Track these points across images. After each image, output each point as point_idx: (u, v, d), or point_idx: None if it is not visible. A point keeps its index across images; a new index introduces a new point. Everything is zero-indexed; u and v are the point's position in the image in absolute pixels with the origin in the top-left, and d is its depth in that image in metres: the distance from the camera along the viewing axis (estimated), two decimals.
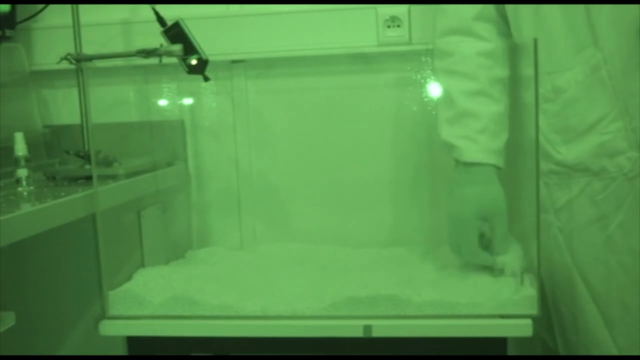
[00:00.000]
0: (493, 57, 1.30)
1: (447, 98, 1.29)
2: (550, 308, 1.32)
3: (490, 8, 1.30)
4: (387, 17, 1.48)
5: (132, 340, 1.17)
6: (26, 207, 1.05)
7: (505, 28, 1.31)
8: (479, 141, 1.25)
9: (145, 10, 1.41)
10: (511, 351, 1.12)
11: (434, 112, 1.36)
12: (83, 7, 1.42)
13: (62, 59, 1.35)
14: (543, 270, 1.26)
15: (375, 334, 1.10)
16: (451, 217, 1.24)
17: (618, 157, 1.22)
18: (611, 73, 1.20)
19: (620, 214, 1.22)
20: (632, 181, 1.21)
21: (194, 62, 1.33)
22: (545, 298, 1.29)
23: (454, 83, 1.29)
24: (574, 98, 1.23)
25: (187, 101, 1.62)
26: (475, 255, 1.21)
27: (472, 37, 1.30)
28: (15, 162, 1.26)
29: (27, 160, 1.27)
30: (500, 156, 1.27)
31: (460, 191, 1.25)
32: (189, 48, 1.32)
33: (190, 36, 1.33)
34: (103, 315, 1.17)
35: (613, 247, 1.23)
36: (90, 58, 1.38)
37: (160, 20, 1.36)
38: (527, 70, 1.28)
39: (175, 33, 1.33)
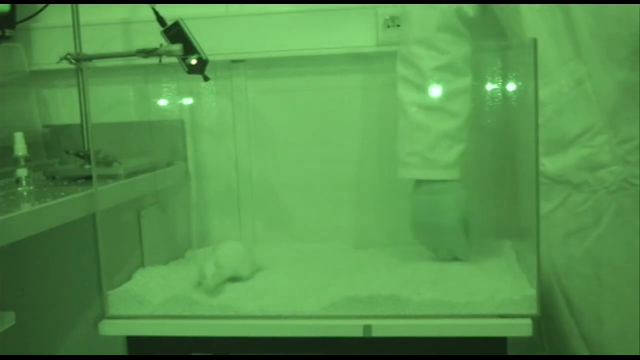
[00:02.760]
0: (452, 70, 1.28)
1: (401, 109, 1.29)
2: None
3: (453, 18, 1.28)
4: (387, 17, 1.48)
5: (132, 340, 1.17)
6: (26, 207, 1.05)
7: (469, 35, 1.30)
8: (429, 159, 1.26)
9: (145, 10, 1.41)
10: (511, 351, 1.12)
11: None
12: (83, 7, 1.42)
13: (62, 59, 1.35)
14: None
15: (375, 334, 1.10)
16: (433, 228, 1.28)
17: (600, 171, 1.21)
18: (596, 87, 1.19)
19: (600, 227, 1.22)
20: (613, 195, 1.21)
21: (194, 62, 1.33)
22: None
23: (410, 94, 1.28)
24: (557, 111, 1.22)
25: (187, 101, 1.62)
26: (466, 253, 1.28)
27: (433, 49, 1.27)
28: (15, 162, 1.26)
29: (27, 160, 1.27)
30: (452, 169, 1.27)
31: (427, 204, 1.29)
32: (189, 48, 1.32)
33: (190, 36, 1.33)
34: (103, 315, 1.17)
35: (590, 259, 1.23)
36: (90, 58, 1.38)
37: (160, 20, 1.36)
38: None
39: (175, 33, 1.33)
